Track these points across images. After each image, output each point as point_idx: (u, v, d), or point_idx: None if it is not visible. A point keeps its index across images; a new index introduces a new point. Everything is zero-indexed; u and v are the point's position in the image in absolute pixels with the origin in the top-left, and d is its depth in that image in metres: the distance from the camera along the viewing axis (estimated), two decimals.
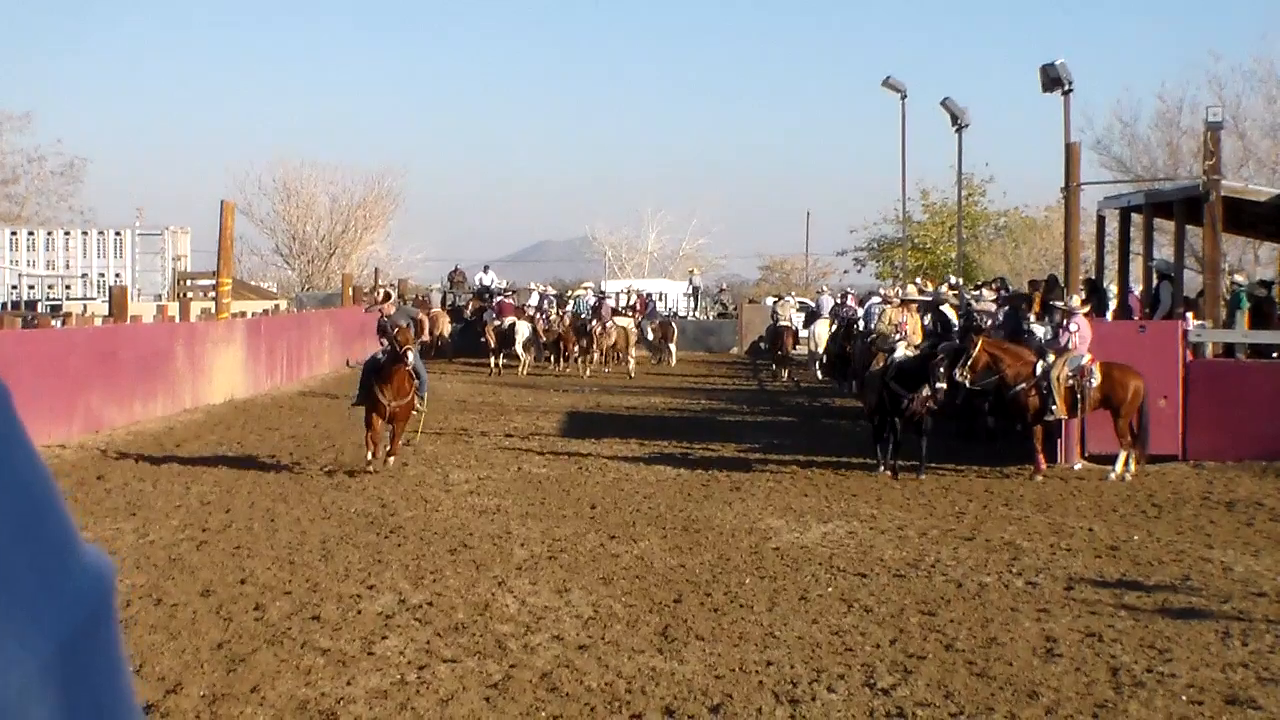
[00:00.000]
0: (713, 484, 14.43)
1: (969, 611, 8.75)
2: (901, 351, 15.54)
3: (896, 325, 15.94)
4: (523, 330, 31.84)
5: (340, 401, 23.65)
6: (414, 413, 15.15)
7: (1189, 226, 21.96)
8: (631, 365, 31.48)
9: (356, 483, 14.08)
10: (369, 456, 14.64)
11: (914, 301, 16.63)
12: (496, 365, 31.82)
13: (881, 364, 15.63)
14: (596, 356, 32.01)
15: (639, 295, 39.72)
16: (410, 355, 14.24)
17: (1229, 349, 18.36)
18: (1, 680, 0.63)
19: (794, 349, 32.75)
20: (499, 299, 35.26)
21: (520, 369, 31.28)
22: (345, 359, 32.38)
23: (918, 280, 32.69)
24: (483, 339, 33.46)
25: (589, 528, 11.67)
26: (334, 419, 20.75)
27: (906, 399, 14.99)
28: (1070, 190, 18.70)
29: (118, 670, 0.73)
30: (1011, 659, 7.59)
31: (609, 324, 32.24)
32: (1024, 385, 15.58)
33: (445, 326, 35.87)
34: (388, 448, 14.94)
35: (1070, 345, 15.48)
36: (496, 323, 32.69)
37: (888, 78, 36.27)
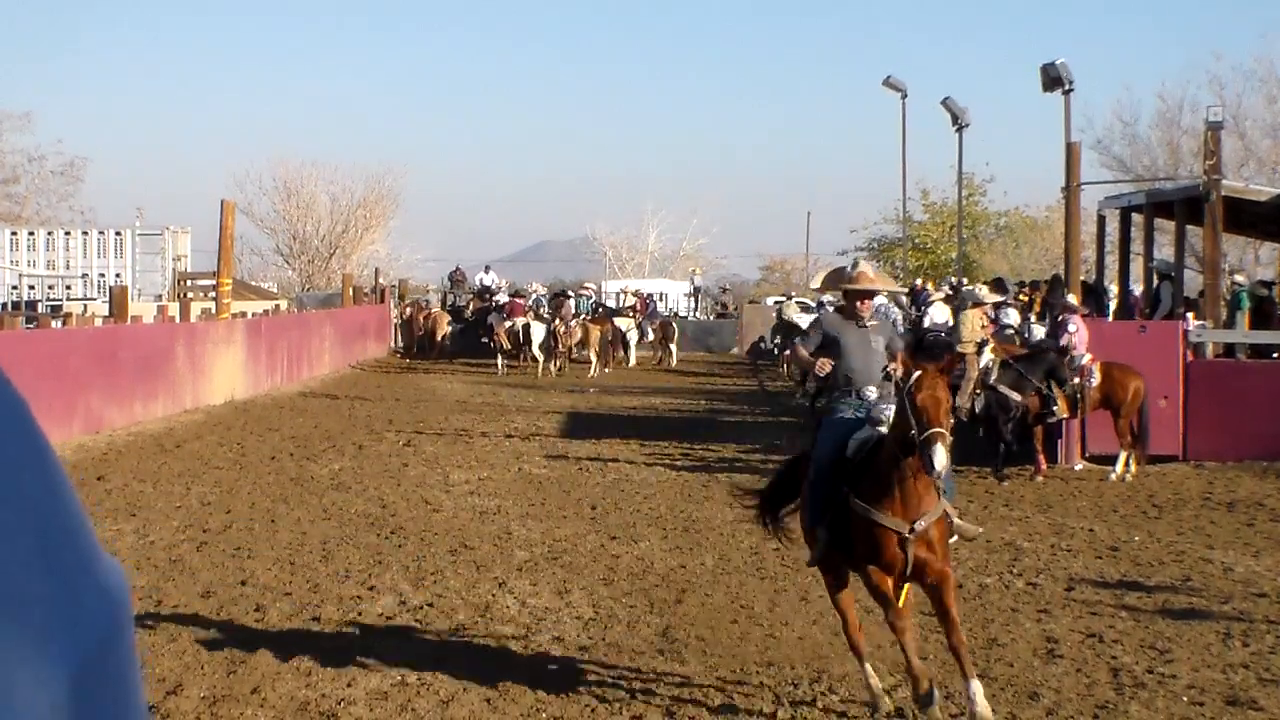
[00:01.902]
0: (713, 485, 14.41)
1: (969, 612, 8.74)
2: (989, 355, 15.00)
3: (984, 326, 15.36)
4: (538, 331, 31.16)
5: (341, 403, 23.67)
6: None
7: (1189, 226, 21.98)
8: (593, 367, 31.25)
9: (357, 483, 14.08)
10: (871, 686, 6.77)
11: (986, 303, 16.16)
12: (503, 366, 31.09)
13: (975, 369, 14.87)
14: (561, 356, 31.52)
15: (638, 295, 39.72)
16: (941, 454, 6.20)
17: (1229, 349, 18.36)
18: (32, 706, 0.63)
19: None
20: (510, 299, 34.80)
21: (538, 370, 30.58)
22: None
23: (902, 280, 32.62)
24: (484, 339, 33.31)
25: (589, 528, 11.67)
26: (334, 420, 20.75)
27: (1015, 402, 14.68)
28: (1070, 190, 18.71)
29: (133, 687, 0.73)
30: (1012, 660, 7.58)
31: (572, 323, 32.11)
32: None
33: (444, 327, 35.84)
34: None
35: (1070, 346, 15.48)
36: (508, 324, 31.70)
37: (888, 77, 36.33)
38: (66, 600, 0.68)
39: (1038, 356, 15.44)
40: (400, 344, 37.41)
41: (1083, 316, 16.28)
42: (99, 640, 0.69)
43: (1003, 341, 18.55)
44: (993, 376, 14.88)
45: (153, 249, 77.41)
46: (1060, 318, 16.34)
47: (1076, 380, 15.12)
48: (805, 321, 34.33)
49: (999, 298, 19.35)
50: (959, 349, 15.00)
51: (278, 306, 38.15)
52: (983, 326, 15.39)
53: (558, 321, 31.63)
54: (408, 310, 37.69)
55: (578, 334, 31.69)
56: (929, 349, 21.69)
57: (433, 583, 9.39)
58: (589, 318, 34.13)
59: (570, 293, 38.57)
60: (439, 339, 35.34)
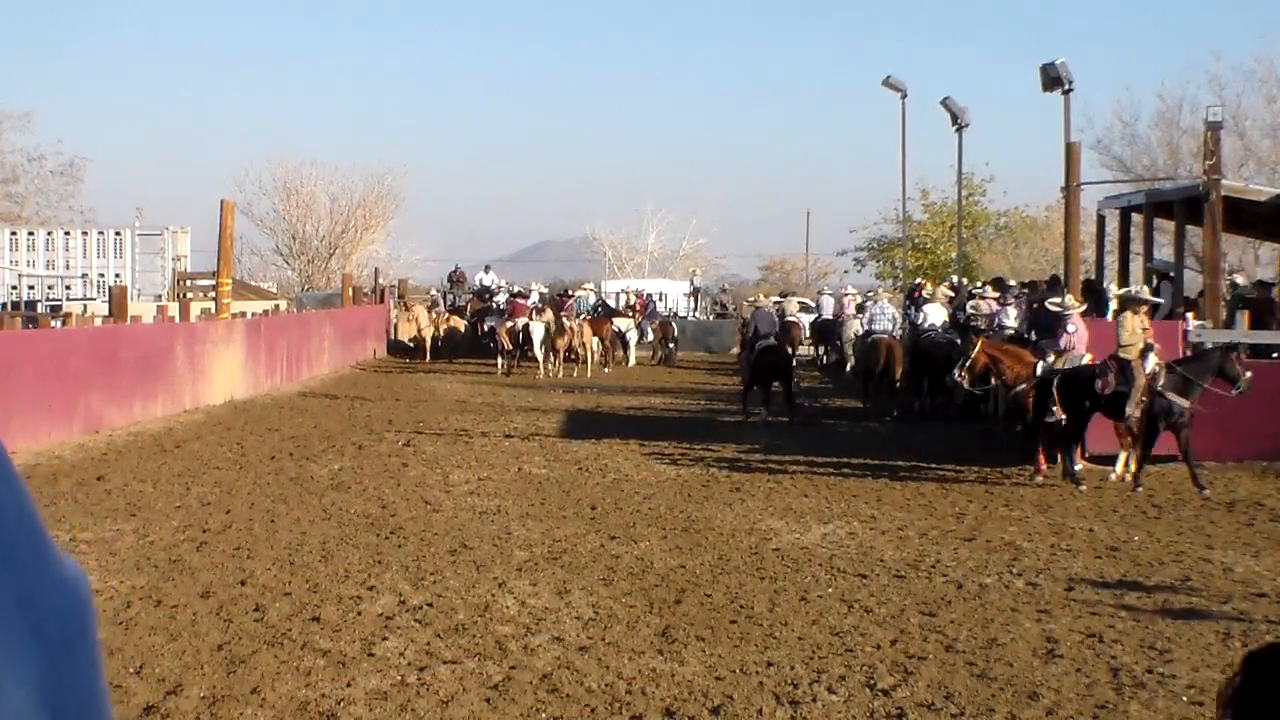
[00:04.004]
0: (713, 485, 14.42)
1: (969, 612, 8.75)
2: (1153, 360, 14.29)
3: (1145, 329, 14.51)
4: (538, 331, 30.90)
5: (340, 403, 23.67)
6: None
7: (1189, 226, 21.99)
8: (590, 366, 31.20)
9: (356, 483, 14.08)
10: None
11: (1145, 302, 15.45)
12: (505, 367, 30.85)
13: (1142, 376, 14.17)
14: (561, 355, 31.48)
15: (638, 295, 39.73)
16: None
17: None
18: (6, 701, 0.64)
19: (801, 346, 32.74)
20: (511, 299, 34.63)
21: (540, 370, 30.39)
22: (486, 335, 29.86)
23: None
24: (484, 339, 33.25)
25: (589, 528, 11.67)
26: (334, 420, 20.74)
27: (1180, 408, 14.20)
28: (1070, 190, 18.71)
29: (97, 682, 0.73)
30: (1012, 660, 7.58)
31: (580, 320, 32.12)
32: (1024, 386, 15.61)
33: (459, 326, 35.84)
34: None
35: (1069, 346, 15.48)
36: (510, 324, 31.38)
37: (888, 77, 36.31)
38: (31, 597, 0.69)
39: (1203, 357, 14.87)
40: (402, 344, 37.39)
41: (1081, 315, 16.26)
42: (64, 637, 0.70)
43: (1002, 342, 18.54)
44: (1159, 382, 14.28)
45: (152, 249, 77.42)
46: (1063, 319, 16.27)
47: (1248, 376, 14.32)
48: (806, 319, 34.49)
49: (1159, 300, 18.50)
50: (1121, 354, 14.37)
51: (277, 306, 38.13)
52: (1144, 329, 14.51)
53: (566, 320, 31.56)
54: (432, 312, 37.40)
55: (586, 332, 31.72)
56: (927, 351, 21.71)
57: (433, 583, 9.39)
58: (589, 318, 34.14)
59: (570, 292, 38.60)
60: (455, 340, 35.44)
